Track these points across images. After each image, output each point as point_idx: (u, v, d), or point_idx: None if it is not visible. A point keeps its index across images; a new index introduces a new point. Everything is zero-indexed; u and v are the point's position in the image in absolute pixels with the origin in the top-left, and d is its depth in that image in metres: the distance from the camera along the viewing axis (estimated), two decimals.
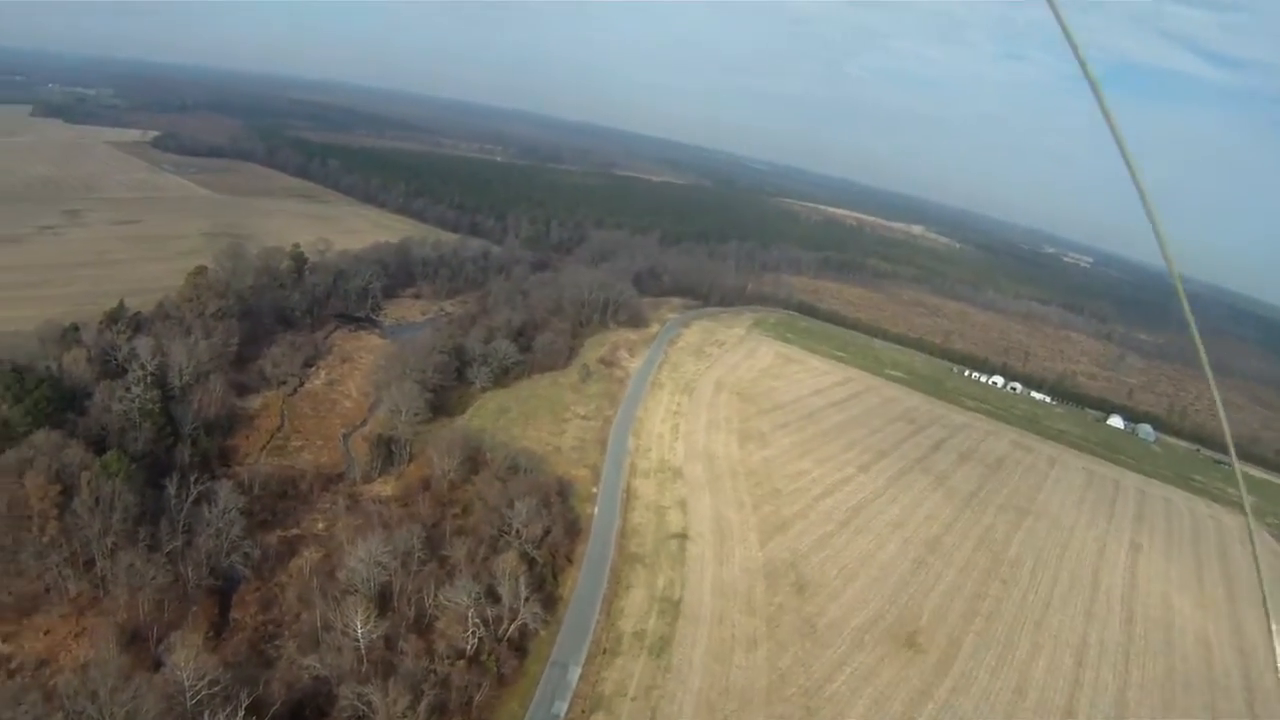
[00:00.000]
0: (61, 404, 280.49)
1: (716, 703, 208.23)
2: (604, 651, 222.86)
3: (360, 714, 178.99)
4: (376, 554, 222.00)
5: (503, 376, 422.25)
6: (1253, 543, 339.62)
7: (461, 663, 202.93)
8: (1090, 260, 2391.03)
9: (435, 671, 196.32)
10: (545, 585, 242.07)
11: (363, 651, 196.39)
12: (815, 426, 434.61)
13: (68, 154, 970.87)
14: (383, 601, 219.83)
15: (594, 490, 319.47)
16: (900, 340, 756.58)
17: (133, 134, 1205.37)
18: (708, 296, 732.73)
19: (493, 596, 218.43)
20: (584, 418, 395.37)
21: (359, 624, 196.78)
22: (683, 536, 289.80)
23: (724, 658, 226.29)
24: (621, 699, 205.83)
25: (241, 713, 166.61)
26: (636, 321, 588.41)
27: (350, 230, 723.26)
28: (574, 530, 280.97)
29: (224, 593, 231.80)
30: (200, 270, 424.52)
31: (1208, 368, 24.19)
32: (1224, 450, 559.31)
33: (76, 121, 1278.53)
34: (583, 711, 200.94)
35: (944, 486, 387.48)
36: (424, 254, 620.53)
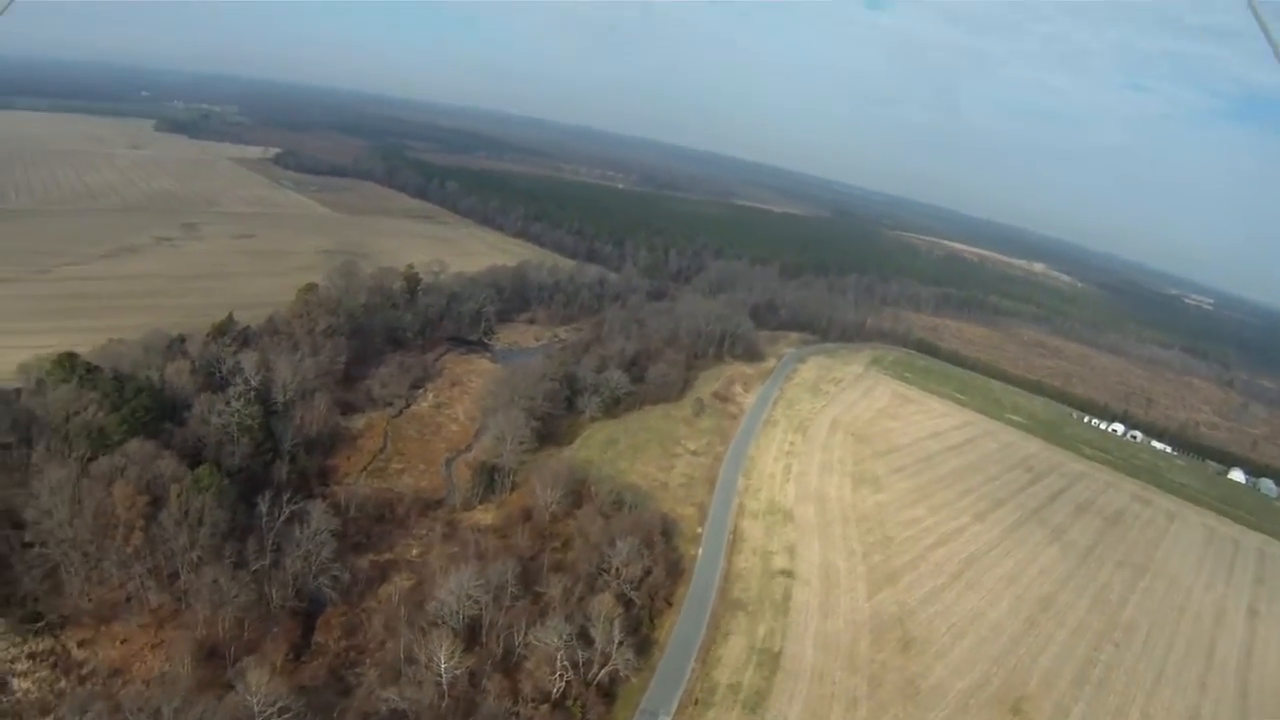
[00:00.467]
0: (160, 414, 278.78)
1: None
2: (696, 703, 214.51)
3: None
4: (468, 586, 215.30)
5: (613, 407, 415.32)
6: None
7: (546, 706, 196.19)
8: (1212, 302, 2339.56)
9: (518, 714, 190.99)
10: (641, 628, 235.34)
11: (444, 687, 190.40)
12: (931, 471, 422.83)
13: (190, 168, 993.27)
14: (471, 636, 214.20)
15: (699, 530, 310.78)
16: (1020, 382, 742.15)
17: (255, 151, 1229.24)
18: (825, 331, 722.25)
19: (585, 638, 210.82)
20: (694, 453, 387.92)
21: (443, 658, 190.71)
22: (788, 584, 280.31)
23: (821, 717, 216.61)
24: None
25: None
26: (752, 355, 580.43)
27: (467, 252, 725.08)
28: (676, 571, 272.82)
29: (309, 615, 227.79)
30: (311, 287, 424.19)
31: None
32: None
33: (200, 137, 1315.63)
34: None
35: (1060, 540, 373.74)
36: (540, 279, 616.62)
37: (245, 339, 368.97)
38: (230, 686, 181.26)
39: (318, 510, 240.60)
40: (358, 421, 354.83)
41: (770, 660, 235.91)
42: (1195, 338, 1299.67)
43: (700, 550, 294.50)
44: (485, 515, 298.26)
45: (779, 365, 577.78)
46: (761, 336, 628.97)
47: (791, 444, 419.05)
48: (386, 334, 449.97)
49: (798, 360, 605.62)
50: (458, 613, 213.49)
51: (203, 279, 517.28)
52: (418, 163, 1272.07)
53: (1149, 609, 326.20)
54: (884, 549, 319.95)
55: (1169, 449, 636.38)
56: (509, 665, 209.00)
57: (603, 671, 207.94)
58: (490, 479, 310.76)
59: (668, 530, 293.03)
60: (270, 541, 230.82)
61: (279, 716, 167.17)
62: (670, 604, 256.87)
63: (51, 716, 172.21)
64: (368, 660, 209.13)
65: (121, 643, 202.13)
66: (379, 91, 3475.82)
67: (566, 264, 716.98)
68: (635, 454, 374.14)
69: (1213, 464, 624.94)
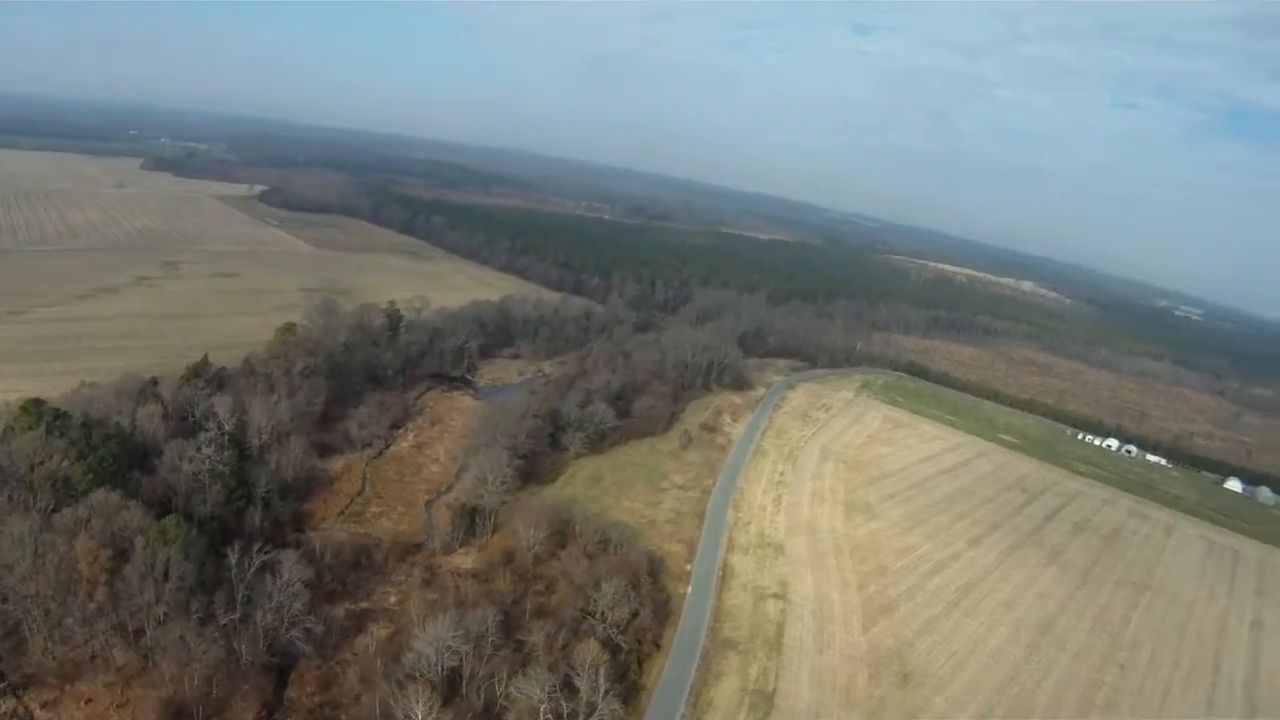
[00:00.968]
0: (129, 462, 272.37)
1: None
2: None
3: None
4: (447, 637, 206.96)
5: (599, 442, 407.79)
6: None
7: None
8: (1201, 313, 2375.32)
9: None
10: (628, 674, 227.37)
11: None
12: (925, 497, 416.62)
13: (173, 206, 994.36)
14: (450, 688, 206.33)
15: (688, 568, 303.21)
16: (1012, 402, 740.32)
17: (240, 188, 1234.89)
18: (815, 358, 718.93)
19: (569, 688, 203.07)
20: (682, 487, 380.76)
21: (420, 713, 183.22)
22: (781, 619, 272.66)
23: None
24: None
25: None
26: (741, 384, 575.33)
27: (451, 287, 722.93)
28: (664, 612, 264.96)
29: (281, 669, 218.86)
30: (289, 327, 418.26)
31: None
32: None
33: (186, 175, 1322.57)
34: None
35: (1058, 561, 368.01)
36: (524, 313, 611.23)
37: (221, 381, 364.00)
38: None
39: (289, 560, 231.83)
40: (335, 463, 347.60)
41: (764, 701, 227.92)
42: (1186, 349, 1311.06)
43: (689, 588, 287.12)
44: (466, 559, 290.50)
45: (768, 393, 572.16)
46: (750, 365, 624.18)
47: (781, 474, 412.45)
48: (366, 373, 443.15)
49: (787, 388, 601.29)
50: (436, 664, 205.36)
51: (181, 319, 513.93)
52: (403, 198, 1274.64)
53: (1151, 627, 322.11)
54: (879, 579, 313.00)
55: (1164, 462, 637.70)
56: (490, 718, 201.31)
57: None
58: (471, 521, 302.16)
59: (655, 569, 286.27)
60: (241, 594, 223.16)
61: None
62: (659, 646, 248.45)
63: None
64: (343, 716, 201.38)
65: (86, 703, 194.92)
66: (367, 128, 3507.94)
67: (551, 297, 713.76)
68: (621, 490, 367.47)
69: (1209, 475, 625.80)
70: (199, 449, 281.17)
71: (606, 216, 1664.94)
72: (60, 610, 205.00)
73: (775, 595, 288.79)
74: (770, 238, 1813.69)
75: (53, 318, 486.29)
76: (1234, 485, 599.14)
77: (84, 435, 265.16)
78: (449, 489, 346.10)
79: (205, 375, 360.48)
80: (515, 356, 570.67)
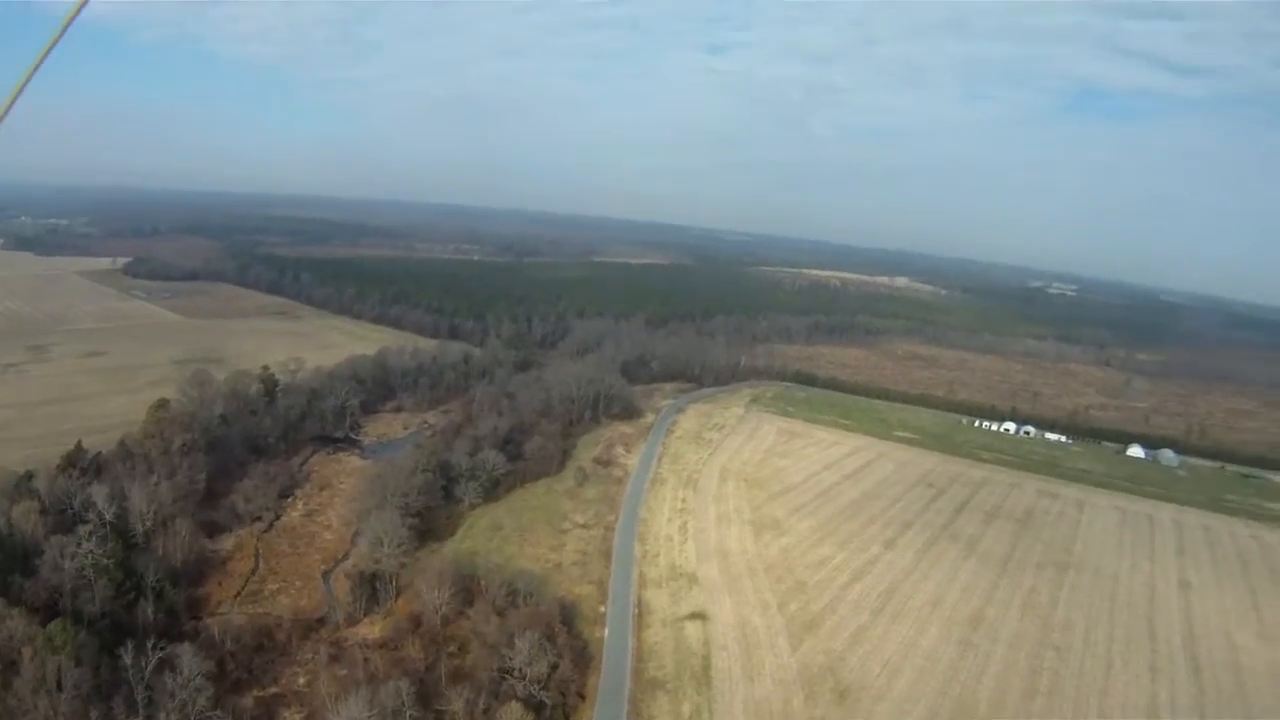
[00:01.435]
0: (7, 565, 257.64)
1: None
2: None
3: None
4: (361, 718, 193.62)
5: (493, 489, 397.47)
6: None
7: None
8: (1074, 288, 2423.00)
9: None
10: None
11: None
12: (832, 505, 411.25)
13: (36, 287, 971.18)
14: None
15: (601, 609, 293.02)
16: (904, 398, 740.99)
17: (104, 262, 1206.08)
18: (700, 378, 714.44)
19: None
20: (584, 526, 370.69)
21: None
22: (705, 652, 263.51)
23: None
24: None
25: None
26: (630, 413, 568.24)
27: (325, 345, 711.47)
28: (584, 660, 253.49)
29: None
30: (162, 403, 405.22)
31: None
32: (1250, 463, 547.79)
33: (47, 253, 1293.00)
34: None
35: (976, 552, 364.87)
36: (402, 364, 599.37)
37: (99, 467, 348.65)
38: None
39: (187, 654, 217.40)
40: (226, 542, 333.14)
41: None
42: (1066, 326, 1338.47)
43: (606, 631, 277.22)
44: (372, 629, 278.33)
45: (658, 419, 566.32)
46: (637, 392, 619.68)
47: (683, 500, 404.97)
48: (247, 443, 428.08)
49: (677, 411, 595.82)
50: None
51: (53, 404, 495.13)
52: (269, 258, 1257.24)
53: (1081, 604, 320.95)
54: (799, 596, 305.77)
55: (1064, 438, 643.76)
56: None
57: None
58: (372, 588, 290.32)
59: (568, 615, 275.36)
60: (141, 695, 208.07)
61: None
62: (583, 697, 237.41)
63: None
64: None
65: None
66: (227, 189, 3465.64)
67: (428, 345, 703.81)
68: (523, 536, 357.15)
69: (1110, 445, 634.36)
70: (79, 544, 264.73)
71: (476, 257, 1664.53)
72: None
73: (695, 627, 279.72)
74: (642, 262, 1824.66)
75: None
76: (1136, 452, 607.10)
77: None
78: (345, 556, 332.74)
79: (81, 463, 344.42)
80: (398, 410, 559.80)
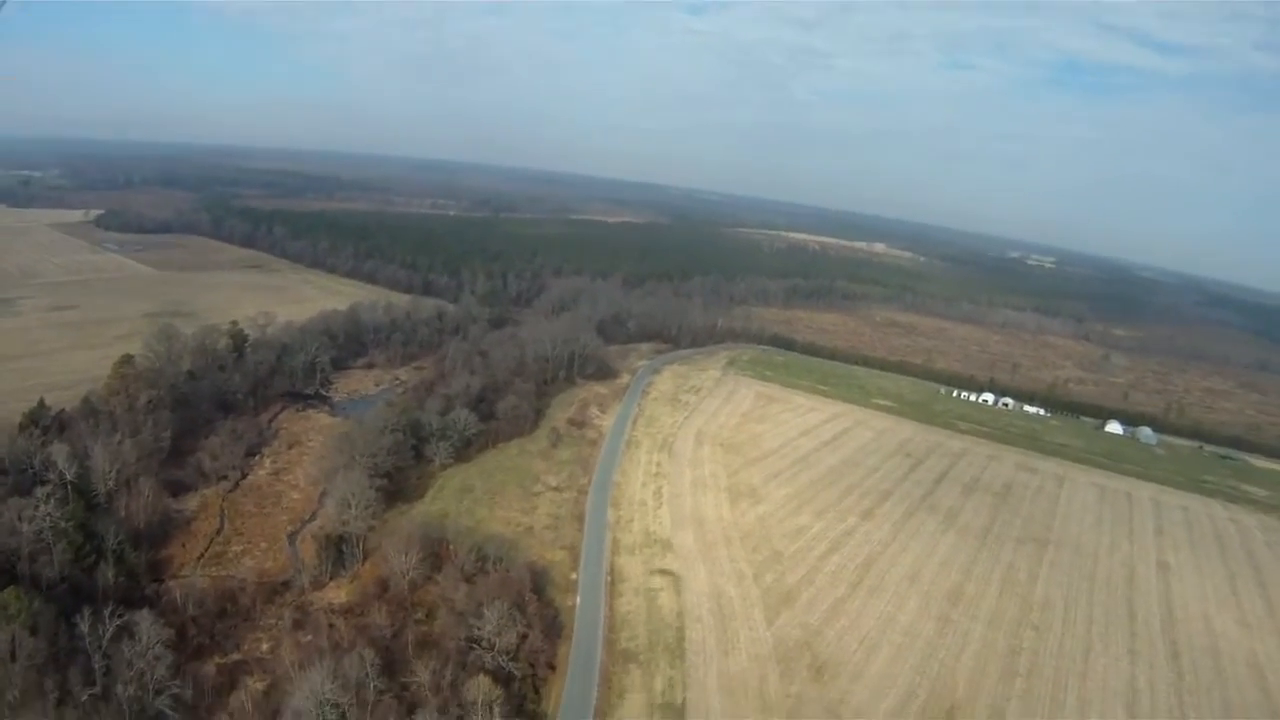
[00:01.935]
0: None
1: None
2: None
3: None
4: (323, 690, 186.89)
5: (464, 450, 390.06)
6: None
7: None
8: (1053, 260, 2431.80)
9: None
10: (526, 704, 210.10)
11: None
12: (809, 473, 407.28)
13: (6, 239, 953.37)
14: None
15: (573, 576, 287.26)
16: (882, 365, 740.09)
17: (76, 214, 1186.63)
18: (677, 339, 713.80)
19: None
20: (556, 489, 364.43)
21: None
22: (679, 623, 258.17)
23: None
24: None
25: None
26: (605, 373, 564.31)
27: (298, 299, 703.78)
28: (554, 629, 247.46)
29: None
30: (127, 359, 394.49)
31: None
32: (1226, 444, 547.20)
33: (20, 205, 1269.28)
34: None
35: (955, 525, 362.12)
36: (375, 319, 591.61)
37: (61, 425, 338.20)
38: None
39: (146, 621, 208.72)
40: (190, 502, 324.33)
41: (674, 715, 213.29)
42: (1044, 297, 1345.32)
43: (578, 599, 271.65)
44: (338, 593, 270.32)
45: (634, 380, 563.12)
46: (612, 352, 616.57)
47: (658, 464, 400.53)
48: (215, 399, 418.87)
49: (652, 372, 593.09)
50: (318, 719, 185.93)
51: (17, 359, 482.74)
52: (244, 210, 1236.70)
53: (1060, 583, 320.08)
54: (775, 566, 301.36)
55: (1042, 411, 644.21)
56: None
57: None
58: (339, 551, 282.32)
59: (539, 582, 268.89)
60: (100, 664, 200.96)
61: None
62: (553, 668, 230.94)
63: None
64: None
65: None
66: (203, 141, 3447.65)
67: (401, 300, 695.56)
68: (494, 498, 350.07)
69: (1088, 420, 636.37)
70: (37, 506, 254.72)
71: (452, 213, 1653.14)
72: None
73: (669, 597, 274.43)
74: (619, 220, 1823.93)
75: None
76: (1115, 428, 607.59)
77: None
78: (312, 517, 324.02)
79: (42, 422, 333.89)
80: (370, 366, 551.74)
